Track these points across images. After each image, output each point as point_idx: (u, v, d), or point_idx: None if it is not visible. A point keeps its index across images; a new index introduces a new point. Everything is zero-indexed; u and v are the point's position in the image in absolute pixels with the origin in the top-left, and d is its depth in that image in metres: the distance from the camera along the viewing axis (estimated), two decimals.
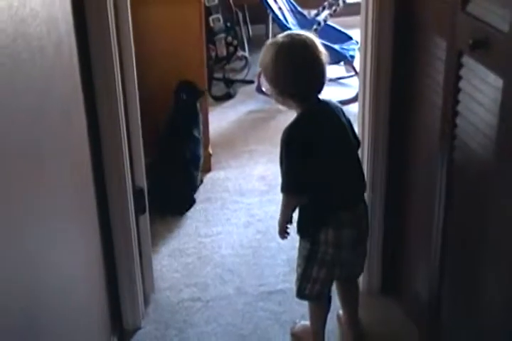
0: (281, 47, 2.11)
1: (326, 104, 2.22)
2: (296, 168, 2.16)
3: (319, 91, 2.17)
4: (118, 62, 2.15)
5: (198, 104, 3.40)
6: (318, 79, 2.14)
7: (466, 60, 1.87)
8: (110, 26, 2.08)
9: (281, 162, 2.17)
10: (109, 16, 2.07)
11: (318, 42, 2.14)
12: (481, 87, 1.82)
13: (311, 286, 2.29)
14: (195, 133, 3.38)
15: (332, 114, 2.20)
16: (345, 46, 4.44)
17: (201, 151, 3.44)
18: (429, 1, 2.11)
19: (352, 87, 4.44)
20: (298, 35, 2.16)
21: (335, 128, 2.18)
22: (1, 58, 1.03)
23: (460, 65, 1.91)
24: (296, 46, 2.13)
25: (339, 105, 2.27)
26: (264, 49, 2.17)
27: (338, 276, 2.33)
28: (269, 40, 2.20)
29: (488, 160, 1.80)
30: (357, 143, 2.27)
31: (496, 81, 1.72)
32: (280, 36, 2.17)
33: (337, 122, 2.19)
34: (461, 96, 1.93)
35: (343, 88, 4.53)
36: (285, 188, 2.19)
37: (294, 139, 2.14)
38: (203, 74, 3.58)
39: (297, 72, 2.11)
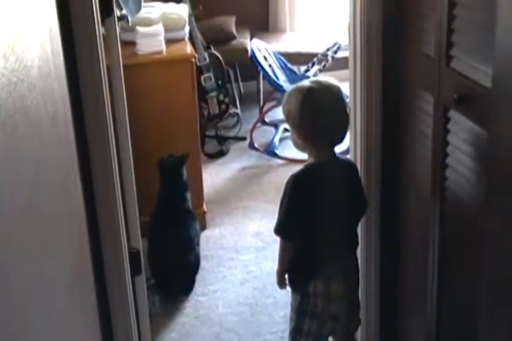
0: (310, 93, 2.11)
1: (340, 161, 2.25)
2: (293, 214, 2.19)
3: (340, 142, 2.20)
4: (112, 126, 2.18)
5: (184, 171, 3.27)
6: (341, 129, 2.18)
7: (453, 114, 1.91)
8: (104, 89, 2.12)
9: (281, 204, 2.20)
10: (103, 81, 2.11)
11: (343, 92, 2.17)
12: (468, 140, 1.85)
13: (304, 340, 2.28)
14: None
15: (341, 173, 2.23)
16: None
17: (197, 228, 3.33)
18: (415, 56, 2.16)
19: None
20: (326, 82, 2.16)
21: (337, 188, 2.20)
22: (0, 133, 1.05)
23: (447, 119, 1.94)
24: (325, 94, 2.14)
25: (354, 164, 2.32)
26: (288, 94, 2.17)
27: (333, 332, 2.32)
28: (294, 86, 2.20)
29: (479, 210, 1.82)
30: (362, 205, 2.31)
31: (481, 133, 1.75)
32: (307, 81, 2.17)
33: (342, 183, 2.22)
34: (449, 149, 1.96)
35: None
36: (278, 230, 2.22)
37: (298, 189, 2.17)
38: (196, 132, 3.63)
39: (321, 119, 2.12)
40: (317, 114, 2.12)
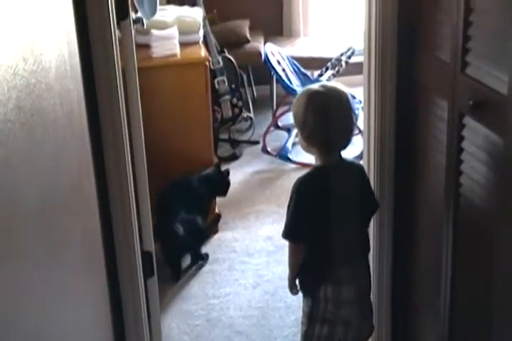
0: (315, 95, 2.14)
1: (347, 164, 2.25)
2: (300, 217, 2.18)
3: (343, 147, 2.20)
4: (126, 127, 2.19)
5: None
6: (345, 134, 2.17)
7: (468, 120, 1.90)
8: (119, 91, 2.13)
9: (288, 208, 2.20)
10: (118, 83, 2.12)
11: (351, 98, 2.18)
12: (483, 147, 1.84)
13: None
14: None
15: (348, 176, 2.22)
16: None
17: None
18: (430, 62, 2.15)
19: (356, 145, 4.47)
20: (333, 87, 2.19)
21: (345, 191, 2.20)
22: (19, 134, 1.06)
23: (462, 126, 1.94)
24: (330, 97, 2.15)
25: (361, 166, 2.31)
26: (297, 96, 2.21)
27: (345, 338, 2.30)
28: (303, 89, 2.24)
29: (493, 217, 1.81)
30: (373, 206, 2.30)
31: (497, 140, 1.74)
32: (316, 85, 2.21)
33: (350, 185, 2.21)
34: (464, 156, 1.95)
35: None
36: (286, 234, 2.21)
37: (304, 191, 2.17)
38: (209, 135, 3.64)
39: (324, 122, 2.13)
40: (320, 116, 2.13)
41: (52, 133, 1.38)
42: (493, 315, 1.84)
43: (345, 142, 2.19)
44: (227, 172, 3.68)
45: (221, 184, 3.63)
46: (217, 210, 3.73)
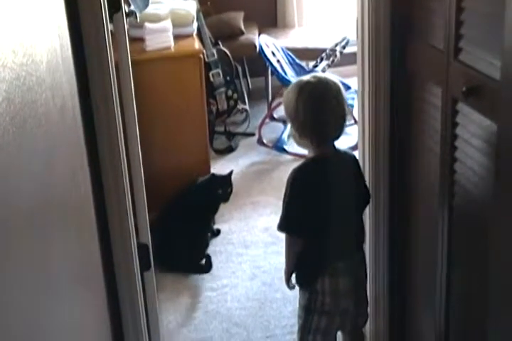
0: (306, 85, 2.15)
1: (341, 154, 2.24)
2: (295, 208, 2.18)
3: (336, 138, 2.19)
4: (120, 120, 2.19)
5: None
6: (336, 125, 2.17)
7: (461, 106, 1.90)
8: (112, 84, 2.12)
9: (284, 199, 2.19)
10: (111, 76, 2.11)
11: (342, 89, 2.18)
12: (477, 133, 1.84)
13: (312, 337, 2.27)
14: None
15: (343, 166, 2.22)
16: None
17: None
18: (423, 49, 2.15)
19: (352, 135, 4.47)
20: (324, 77, 2.20)
21: (340, 182, 2.19)
22: (9, 127, 1.05)
23: (455, 112, 1.94)
24: (320, 87, 2.16)
25: (354, 156, 2.30)
26: (288, 88, 2.21)
27: (342, 327, 2.31)
28: (295, 81, 2.25)
29: (488, 204, 1.82)
30: (366, 196, 2.30)
31: (490, 126, 1.74)
32: (307, 76, 2.22)
33: (345, 176, 2.22)
34: (458, 143, 1.95)
35: (343, 136, 4.54)
36: (281, 226, 2.21)
37: (299, 182, 2.17)
38: (204, 128, 3.63)
39: (316, 112, 2.13)
40: (311, 106, 2.13)
41: (45, 127, 1.37)
42: (489, 303, 1.84)
43: (338, 132, 2.18)
44: (230, 175, 3.61)
45: (215, 194, 3.54)
46: None
